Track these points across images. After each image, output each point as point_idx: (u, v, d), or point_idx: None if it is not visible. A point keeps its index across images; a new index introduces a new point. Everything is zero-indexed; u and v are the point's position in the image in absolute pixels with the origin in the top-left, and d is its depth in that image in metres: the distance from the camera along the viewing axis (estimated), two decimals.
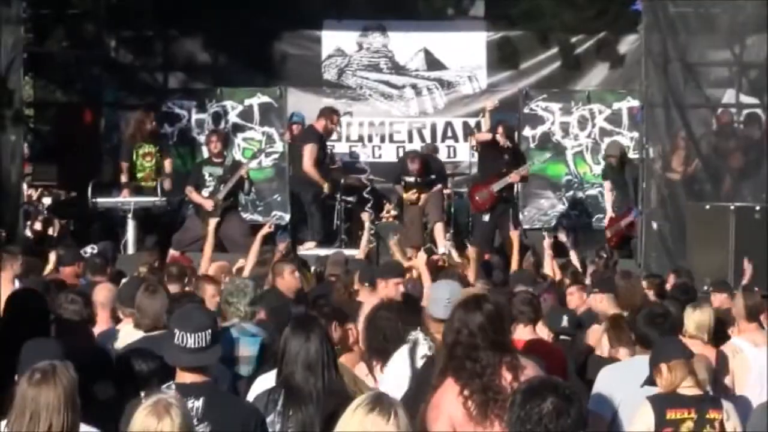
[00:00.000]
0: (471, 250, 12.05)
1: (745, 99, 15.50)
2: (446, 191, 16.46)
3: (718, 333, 8.35)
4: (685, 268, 12.26)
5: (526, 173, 15.75)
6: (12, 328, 6.58)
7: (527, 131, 17.28)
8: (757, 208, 13.14)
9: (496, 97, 17.50)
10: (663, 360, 6.22)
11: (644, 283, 10.52)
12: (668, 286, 10.95)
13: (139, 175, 15.85)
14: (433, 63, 18.87)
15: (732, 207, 13.14)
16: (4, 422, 4.71)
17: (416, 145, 18.09)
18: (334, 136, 18.42)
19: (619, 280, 9.54)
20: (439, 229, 15.32)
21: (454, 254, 13.29)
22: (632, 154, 16.37)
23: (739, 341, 8.24)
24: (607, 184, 16.14)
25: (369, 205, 15.24)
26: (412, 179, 15.83)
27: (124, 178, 15.81)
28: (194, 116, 17.41)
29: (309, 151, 15.59)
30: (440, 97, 18.88)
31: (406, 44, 18.92)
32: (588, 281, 11.76)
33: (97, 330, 7.94)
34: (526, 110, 17.38)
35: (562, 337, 8.36)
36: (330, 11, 18.88)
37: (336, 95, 18.73)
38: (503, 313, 5.74)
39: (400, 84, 18.88)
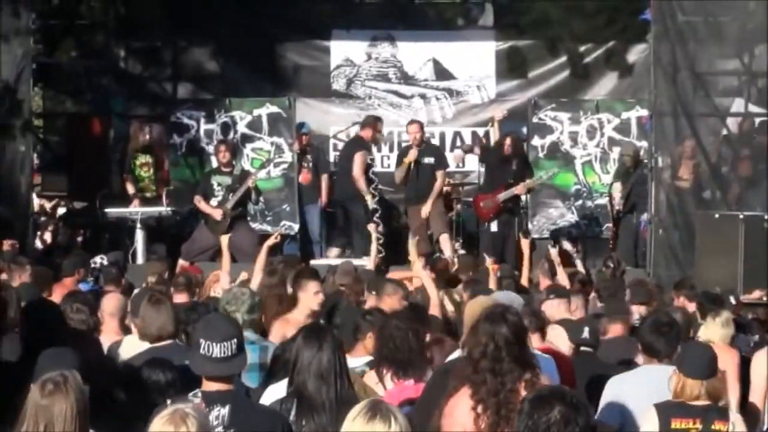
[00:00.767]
0: (489, 261, 12.08)
1: (754, 108, 15.51)
2: (456, 207, 16.49)
3: None
4: (689, 281, 12.22)
5: (533, 185, 15.78)
6: (29, 339, 6.60)
7: (536, 141, 17.27)
8: (766, 217, 13.12)
9: (505, 106, 17.54)
10: (683, 372, 6.16)
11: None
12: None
13: (139, 185, 16.00)
14: (441, 72, 18.89)
15: (741, 216, 13.13)
16: None
17: None
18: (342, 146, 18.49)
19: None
20: (444, 239, 15.27)
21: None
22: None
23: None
24: (617, 185, 16.08)
25: (377, 215, 15.20)
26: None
27: (130, 189, 15.90)
28: (203, 126, 17.42)
29: (359, 159, 15.47)
30: (449, 107, 18.89)
31: (414, 54, 18.94)
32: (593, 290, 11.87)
33: (105, 339, 7.97)
34: (534, 120, 17.36)
35: (582, 348, 8.28)
36: (339, 21, 18.92)
37: (345, 105, 18.77)
38: (524, 324, 5.75)
39: (408, 94, 18.90)
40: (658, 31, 14.55)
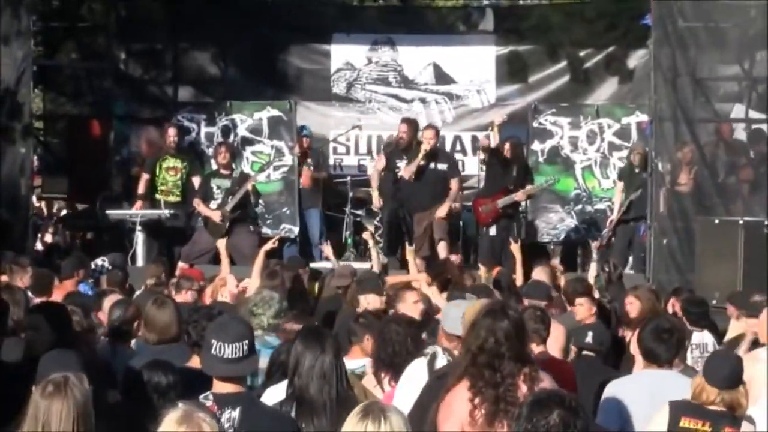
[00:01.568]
0: (482, 270, 12.08)
1: (754, 114, 15.51)
2: (455, 205, 16.42)
3: None
4: (688, 286, 12.21)
5: (533, 192, 15.78)
6: (35, 340, 6.60)
7: (536, 145, 17.28)
8: (766, 222, 13.12)
9: (505, 111, 17.52)
10: (707, 380, 6.12)
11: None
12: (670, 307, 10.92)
13: (162, 188, 15.79)
14: (441, 77, 18.89)
15: (741, 221, 13.12)
16: None
17: None
18: (343, 150, 18.50)
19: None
20: (442, 246, 15.21)
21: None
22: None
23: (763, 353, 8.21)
24: (620, 185, 16.05)
25: (378, 218, 15.17)
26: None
27: (141, 189, 15.80)
28: (204, 129, 17.44)
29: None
30: (449, 111, 18.90)
31: (415, 58, 18.95)
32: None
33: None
34: (534, 124, 17.37)
35: (584, 353, 8.26)
36: (340, 25, 18.95)
37: (345, 109, 18.78)
38: (524, 322, 5.76)
39: (408, 98, 18.91)
40: (658, 37, 14.54)
